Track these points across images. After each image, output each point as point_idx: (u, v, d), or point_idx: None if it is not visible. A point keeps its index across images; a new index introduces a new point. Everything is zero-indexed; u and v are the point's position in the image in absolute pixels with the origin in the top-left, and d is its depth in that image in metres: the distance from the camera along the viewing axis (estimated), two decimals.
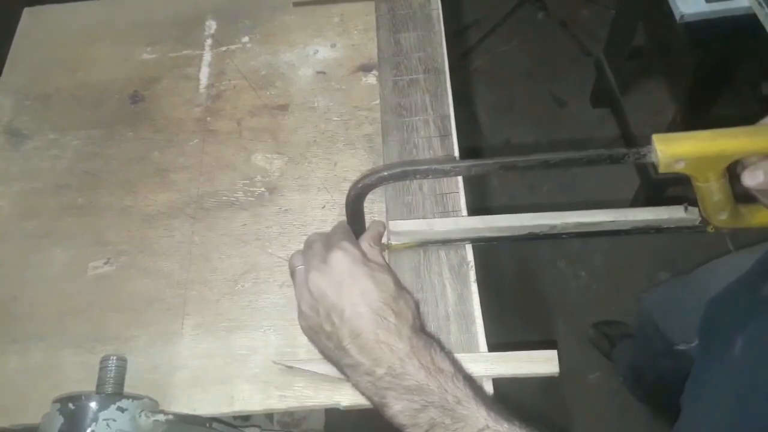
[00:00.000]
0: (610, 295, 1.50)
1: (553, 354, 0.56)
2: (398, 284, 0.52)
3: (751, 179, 0.48)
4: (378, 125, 0.73)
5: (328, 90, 0.78)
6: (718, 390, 0.60)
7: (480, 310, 0.60)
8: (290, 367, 0.59)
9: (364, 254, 0.53)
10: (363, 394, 0.49)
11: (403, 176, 0.52)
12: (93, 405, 0.51)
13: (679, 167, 0.48)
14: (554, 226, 0.61)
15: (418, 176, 0.52)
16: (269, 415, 0.76)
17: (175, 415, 0.55)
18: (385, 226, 0.61)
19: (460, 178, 0.67)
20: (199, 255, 0.67)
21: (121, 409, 0.52)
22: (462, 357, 0.57)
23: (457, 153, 0.69)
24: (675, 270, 1.49)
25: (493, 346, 0.58)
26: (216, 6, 0.87)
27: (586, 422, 1.37)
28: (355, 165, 0.71)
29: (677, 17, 1.09)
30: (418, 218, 0.65)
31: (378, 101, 0.75)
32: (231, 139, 0.75)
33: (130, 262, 0.68)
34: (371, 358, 0.48)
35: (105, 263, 0.68)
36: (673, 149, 0.47)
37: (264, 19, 0.85)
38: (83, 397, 0.52)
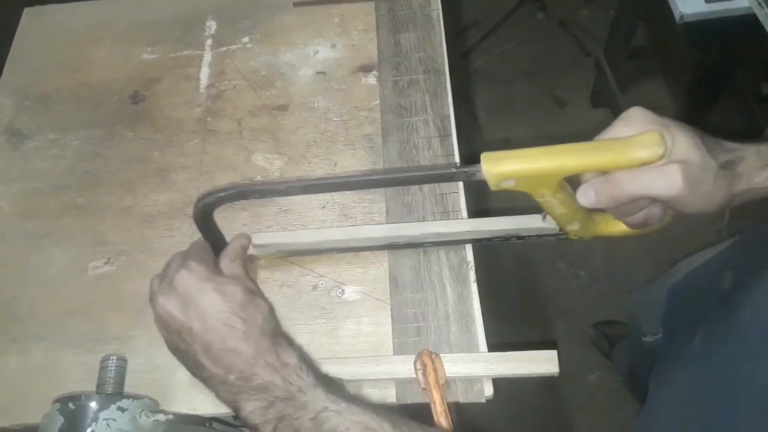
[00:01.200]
0: (610, 295, 1.50)
1: (553, 354, 0.56)
2: (248, 292, 0.53)
3: (583, 198, 0.47)
4: (378, 125, 0.73)
5: (328, 90, 0.78)
6: (677, 381, 0.60)
7: (480, 310, 0.60)
8: None
9: (212, 270, 0.54)
10: (223, 403, 0.50)
11: (240, 196, 0.53)
12: (93, 405, 0.51)
13: (509, 185, 0.47)
14: (414, 237, 0.62)
15: (256, 195, 0.53)
16: None
17: (176, 414, 0.55)
18: (249, 239, 0.61)
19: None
20: None
21: (122, 409, 0.52)
22: (462, 357, 0.57)
23: (457, 153, 0.69)
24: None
25: (493, 346, 0.58)
26: (216, 6, 0.87)
27: (586, 422, 1.37)
28: (355, 165, 0.71)
29: (677, 17, 1.10)
30: (418, 218, 0.65)
31: (378, 101, 0.75)
32: (231, 139, 0.75)
33: (130, 262, 0.68)
34: (224, 366, 0.49)
35: (105, 263, 0.68)
36: (498, 168, 0.45)
37: (264, 19, 0.85)
38: (83, 397, 0.52)
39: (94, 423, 0.51)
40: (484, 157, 0.46)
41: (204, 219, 0.55)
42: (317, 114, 0.76)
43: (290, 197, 0.70)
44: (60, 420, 0.51)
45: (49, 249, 0.70)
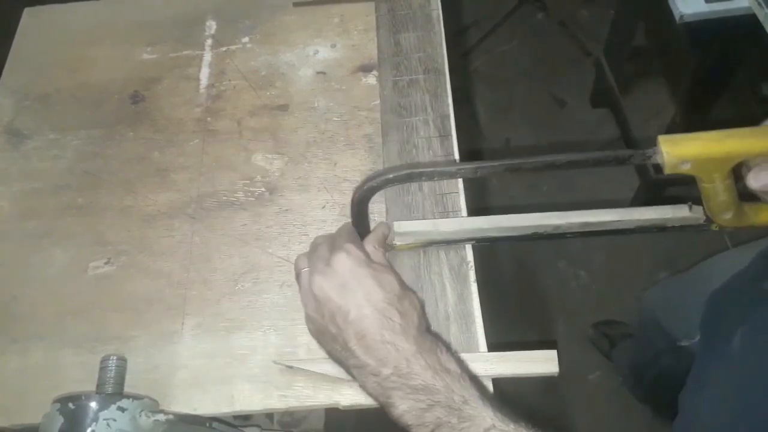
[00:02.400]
0: (610, 295, 1.50)
1: (553, 354, 0.56)
2: (403, 284, 0.52)
3: (756, 181, 0.48)
4: (378, 125, 0.73)
5: (328, 90, 0.78)
6: (718, 384, 0.60)
7: (480, 310, 0.60)
8: (290, 367, 0.59)
9: (367, 256, 0.53)
10: (370, 394, 0.49)
11: (408, 178, 0.52)
12: (93, 405, 0.51)
13: (685, 168, 0.47)
14: (559, 226, 0.60)
15: (423, 178, 0.52)
16: (269, 415, 0.76)
17: (176, 414, 0.55)
18: (389, 228, 0.61)
19: (459, 178, 0.67)
20: (199, 255, 0.67)
21: (122, 409, 0.52)
22: (462, 357, 0.57)
23: (456, 153, 0.69)
24: (675, 270, 1.49)
25: (493, 346, 0.58)
26: (216, 6, 0.87)
27: (586, 422, 1.37)
28: (355, 165, 0.71)
29: (677, 17, 1.10)
30: (418, 218, 0.65)
31: (378, 101, 0.75)
32: (231, 139, 0.75)
33: (130, 262, 0.68)
34: (377, 358, 0.48)
35: (105, 263, 0.68)
36: (679, 151, 0.46)
37: (264, 19, 0.85)
38: (83, 397, 0.52)
39: (94, 423, 0.51)
40: (663, 139, 0.46)
41: (362, 203, 0.55)
42: (317, 114, 0.76)
43: (290, 197, 0.70)
44: (60, 420, 0.51)
45: (49, 249, 0.70)
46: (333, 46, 0.81)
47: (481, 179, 1.67)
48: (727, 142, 0.46)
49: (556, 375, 0.55)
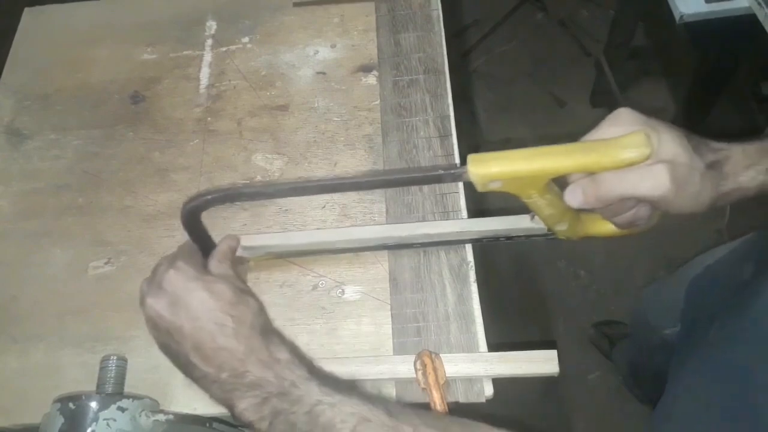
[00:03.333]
0: (610, 295, 1.50)
1: (553, 354, 0.56)
2: (237, 290, 0.53)
3: (571, 198, 0.47)
4: (378, 125, 0.73)
5: (328, 90, 0.78)
6: (694, 372, 0.60)
7: (480, 310, 0.60)
8: None
9: (199, 270, 0.54)
10: (216, 402, 0.50)
11: (226, 199, 0.53)
12: (93, 405, 0.51)
13: (496, 187, 0.47)
14: (403, 238, 0.62)
15: (243, 198, 0.53)
16: None
17: (176, 414, 0.55)
18: (237, 241, 0.61)
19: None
20: None
21: (122, 409, 0.52)
22: (462, 357, 0.57)
23: (456, 153, 0.69)
24: (674, 270, 1.49)
25: (493, 346, 0.58)
26: (216, 6, 0.87)
27: (586, 422, 1.38)
28: (355, 165, 0.71)
29: (677, 17, 1.09)
30: (418, 218, 0.65)
31: (378, 101, 0.75)
32: (231, 139, 0.75)
33: (130, 262, 0.68)
34: (214, 365, 0.49)
35: (105, 263, 0.68)
36: (485, 170, 0.45)
37: (264, 19, 0.85)
38: (83, 397, 0.52)
39: (95, 423, 0.51)
40: (471, 158, 0.46)
41: (192, 222, 0.55)
42: (317, 114, 0.76)
43: (290, 198, 0.70)
44: (60, 420, 0.51)
45: (49, 249, 0.70)
46: (333, 46, 0.81)
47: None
48: (534, 160, 0.45)
49: (556, 375, 0.55)
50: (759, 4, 1.00)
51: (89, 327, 0.64)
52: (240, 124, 0.76)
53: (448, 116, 0.72)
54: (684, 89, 1.31)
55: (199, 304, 0.50)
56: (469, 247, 0.64)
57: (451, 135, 0.71)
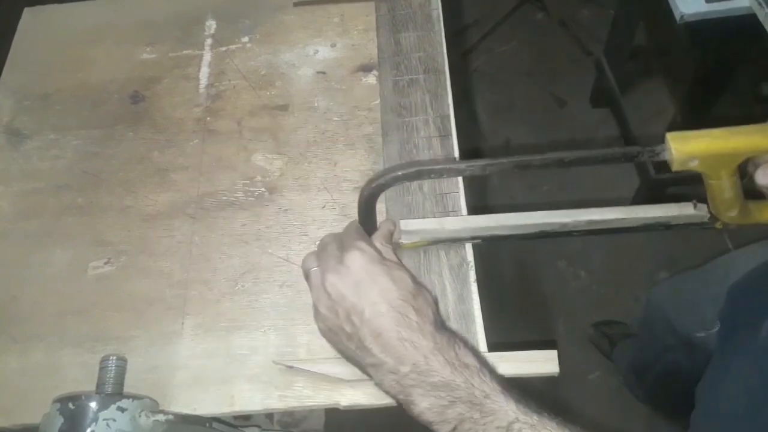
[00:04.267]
0: (610, 295, 1.50)
1: (553, 354, 0.56)
2: (416, 281, 0.52)
3: (764, 177, 0.48)
4: (378, 125, 0.73)
5: (328, 90, 0.78)
6: (742, 373, 0.60)
7: (480, 310, 0.60)
8: (290, 367, 0.59)
9: (379, 253, 0.53)
10: (387, 392, 0.49)
11: (418, 176, 0.52)
12: (93, 405, 0.51)
13: (693, 165, 0.47)
14: (565, 224, 0.60)
15: (432, 176, 0.51)
16: (269, 415, 0.75)
17: (175, 415, 0.55)
18: (395, 224, 0.60)
19: (459, 178, 0.67)
20: (199, 255, 0.67)
21: (121, 409, 0.52)
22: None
23: (456, 153, 0.69)
24: (675, 270, 1.49)
25: (493, 346, 0.58)
26: (216, 6, 0.87)
27: (586, 422, 1.37)
28: (355, 165, 0.71)
29: (677, 17, 1.09)
30: (418, 218, 0.65)
31: (378, 101, 0.75)
32: (231, 139, 0.75)
33: (130, 262, 0.68)
34: (394, 356, 0.47)
35: (105, 263, 0.68)
36: (687, 147, 0.46)
37: (264, 19, 0.85)
38: (83, 397, 0.52)
39: (94, 423, 0.51)
40: (671, 136, 0.46)
41: (370, 200, 0.54)
42: (317, 114, 0.76)
43: (290, 197, 0.70)
44: (60, 420, 0.51)
45: (49, 249, 0.70)
46: (333, 45, 0.81)
47: (482, 177, 1.67)
48: (735, 138, 0.46)
49: (556, 375, 0.55)
50: (759, 4, 1.00)
51: (89, 327, 0.64)
52: (240, 123, 0.76)
53: (448, 116, 0.72)
54: (684, 89, 1.31)
55: (382, 289, 0.49)
56: (469, 247, 0.63)
57: (451, 135, 0.71)
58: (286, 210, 0.69)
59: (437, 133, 0.71)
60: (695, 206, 0.59)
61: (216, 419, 0.58)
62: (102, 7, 0.90)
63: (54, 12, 0.90)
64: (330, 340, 0.53)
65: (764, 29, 0.99)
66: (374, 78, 0.77)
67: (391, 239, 0.58)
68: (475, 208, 0.66)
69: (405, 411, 0.48)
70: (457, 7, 1.99)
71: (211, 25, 0.85)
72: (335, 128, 0.74)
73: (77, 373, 0.62)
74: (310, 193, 0.70)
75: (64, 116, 0.80)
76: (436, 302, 0.53)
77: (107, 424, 0.51)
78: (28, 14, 0.90)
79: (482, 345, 0.59)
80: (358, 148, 0.72)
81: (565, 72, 1.84)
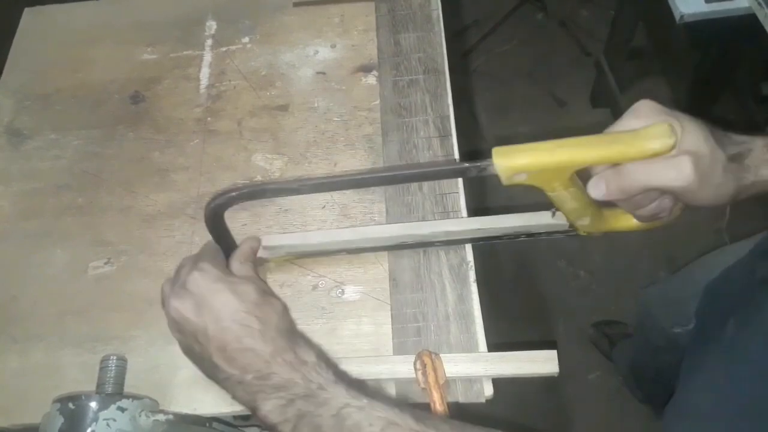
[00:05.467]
0: (610, 295, 1.50)
1: (553, 354, 0.56)
2: (262, 292, 0.53)
3: (595, 190, 0.47)
4: (378, 125, 0.73)
5: (328, 90, 0.78)
6: (709, 369, 0.60)
7: (480, 310, 0.60)
8: None
9: (224, 271, 0.53)
10: (240, 403, 0.50)
11: (251, 196, 0.52)
12: (93, 405, 0.51)
13: (521, 179, 0.47)
14: (425, 236, 0.62)
15: (267, 195, 0.52)
16: None
17: (175, 414, 0.55)
18: (259, 241, 0.61)
19: (459, 178, 0.67)
20: None
21: (122, 409, 0.52)
22: (462, 357, 0.57)
23: (456, 153, 0.69)
24: (674, 270, 1.49)
25: (493, 346, 0.58)
26: (216, 6, 0.87)
27: (586, 422, 1.37)
28: (355, 165, 0.71)
29: (677, 17, 1.10)
30: (418, 218, 0.65)
31: (378, 101, 0.75)
32: (231, 139, 0.75)
33: (130, 262, 0.68)
34: (240, 366, 0.48)
35: (105, 263, 0.68)
36: (511, 162, 0.45)
37: (264, 19, 0.85)
38: (83, 397, 0.52)
39: (94, 423, 0.51)
40: (496, 151, 0.46)
41: (215, 220, 0.55)
42: (317, 114, 0.76)
43: (291, 197, 0.70)
44: (60, 420, 0.51)
45: (49, 249, 0.70)
46: (333, 46, 0.81)
47: (482, 177, 1.67)
48: (560, 152, 0.45)
49: (556, 375, 0.55)
50: (759, 4, 1.00)
51: (89, 327, 0.64)
52: (240, 124, 0.76)
53: (448, 116, 0.72)
54: (684, 89, 1.31)
55: (223, 305, 0.50)
56: (469, 247, 0.64)
57: (451, 135, 0.71)
58: (286, 210, 0.69)
59: (437, 133, 0.71)
60: (553, 215, 0.58)
61: (216, 419, 0.58)
62: (102, 7, 0.90)
63: (54, 12, 0.90)
64: (193, 362, 0.53)
65: (764, 29, 1.00)
66: (374, 78, 0.77)
67: (251, 256, 0.59)
68: (475, 209, 0.66)
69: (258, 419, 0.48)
70: (457, 7, 1.99)
71: (212, 25, 0.85)
72: (335, 128, 0.74)
73: (77, 373, 0.62)
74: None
75: (65, 116, 0.80)
76: (284, 309, 0.53)
77: (107, 424, 0.51)
78: (28, 14, 0.90)
79: (482, 345, 0.59)
80: (358, 149, 0.72)
81: (565, 72, 1.84)
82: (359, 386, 0.48)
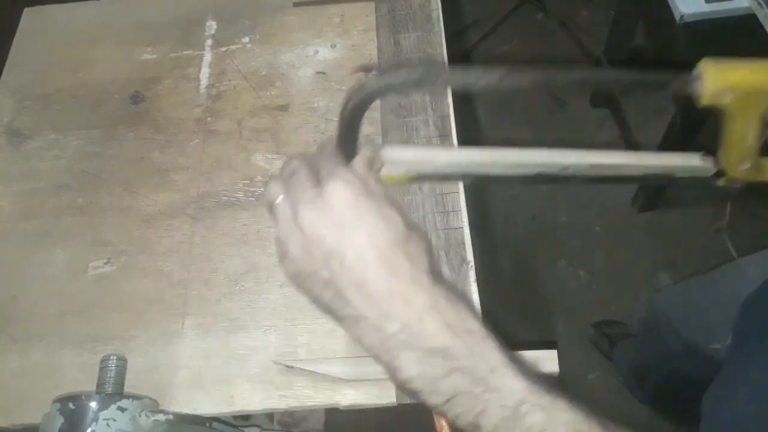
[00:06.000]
0: (610, 295, 1.50)
1: (553, 354, 0.56)
2: (408, 221, 0.42)
3: None
4: (378, 125, 0.73)
5: (328, 90, 0.78)
6: (755, 381, 0.60)
7: (480, 310, 0.60)
8: (290, 367, 0.59)
9: (366, 185, 0.43)
10: (367, 349, 0.41)
11: (419, 84, 0.41)
12: (93, 405, 0.51)
13: (726, 100, 0.41)
14: (566, 167, 0.53)
15: (438, 82, 0.41)
16: (269, 415, 0.76)
17: (176, 414, 0.55)
18: (376, 151, 0.49)
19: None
20: (199, 255, 0.67)
21: (122, 409, 0.52)
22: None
23: None
24: (674, 270, 1.49)
25: None
26: (216, 6, 0.87)
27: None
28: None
29: (677, 17, 1.09)
30: (419, 217, 0.65)
31: (378, 101, 0.75)
32: (231, 139, 0.75)
33: (130, 262, 0.68)
34: (380, 311, 0.39)
35: (105, 263, 0.68)
36: (725, 77, 0.41)
37: (264, 19, 0.85)
38: (83, 397, 0.52)
39: (94, 423, 0.51)
40: (707, 64, 0.40)
41: (357, 113, 0.45)
42: (317, 114, 0.76)
43: None
44: (60, 420, 0.51)
45: (49, 249, 0.70)
46: (333, 46, 0.81)
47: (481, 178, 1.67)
48: None
49: (556, 375, 0.55)
50: (759, 4, 1.00)
51: (89, 327, 0.64)
52: (240, 124, 0.76)
53: (448, 116, 0.72)
54: None
55: (370, 231, 0.40)
56: (468, 247, 0.64)
57: (451, 135, 0.71)
58: None
59: (437, 133, 0.71)
60: (702, 157, 0.53)
61: (216, 419, 0.58)
62: (102, 7, 0.90)
63: (54, 12, 0.90)
64: (299, 285, 0.44)
65: (764, 29, 0.99)
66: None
67: (372, 168, 0.47)
68: (475, 209, 0.66)
69: (393, 380, 0.41)
70: (457, 7, 1.99)
71: (212, 25, 0.85)
72: (335, 128, 0.74)
73: (77, 373, 0.62)
74: None
75: (65, 116, 0.80)
76: (430, 245, 0.43)
77: (107, 424, 0.51)
78: (28, 14, 0.90)
79: None
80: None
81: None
82: (531, 372, 0.39)
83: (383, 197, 0.43)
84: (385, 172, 0.50)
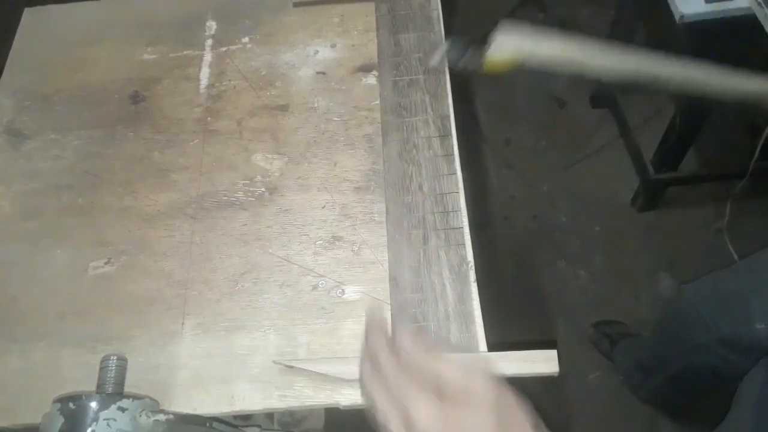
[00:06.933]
0: (610, 295, 1.51)
1: (553, 354, 0.56)
2: (499, 414, 0.39)
3: None
4: (378, 125, 0.73)
5: (328, 90, 0.78)
6: None
7: (480, 310, 0.60)
8: (290, 367, 0.59)
9: (443, 395, 0.39)
10: None
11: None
12: (93, 405, 0.51)
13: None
14: (660, 78, 0.54)
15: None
16: (269, 415, 0.76)
17: (176, 414, 0.55)
18: (378, 313, 0.47)
19: (459, 178, 0.67)
20: (199, 255, 0.67)
21: (122, 409, 0.52)
22: (462, 357, 0.57)
23: (456, 153, 0.69)
24: (674, 270, 1.49)
25: (493, 345, 0.58)
26: (216, 6, 0.87)
27: (586, 422, 1.37)
28: (355, 165, 0.71)
29: (677, 17, 1.10)
30: (418, 217, 0.65)
31: (378, 101, 0.75)
32: (231, 139, 0.75)
33: (130, 262, 0.68)
34: None
35: (105, 263, 0.68)
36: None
37: (264, 19, 0.85)
38: (84, 397, 0.52)
39: (95, 423, 0.51)
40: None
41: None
42: (317, 114, 0.76)
43: (290, 197, 0.70)
44: (60, 420, 0.51)
45: (50, 249, 0.70)
46: (333, 46, 0.81)
47: (481, 176, 1.67)
48: None
49: (556, 375, 0.55)
50: (759, 4, 1.00)
51: (89, 327, 0.64)
52: (240, 124, 0.76)
53: (448, 116, 0.72)
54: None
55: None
56: (469, 247, 0.64)
57: (451, 135, 0.71)
58: (286, 210, 0.69)
59: (437, 133, 0.71)
60: None
61: (216, 419, 0.58)
62: (102, 7, 0.90)
63: (54, 12, 0.90)
64: None
65: (764, 29, 1.00)
66: (374, 78, 0.77)
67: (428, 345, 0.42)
68: (474, 209, 0.66)
69: None
70: (457, 7, 1.99)
71: (212, 25, 0.85)
72: (335, 128, 0.74)
73: (77, 373, 0.62)
74: (310, 193, 0.70)
75: (65, 116, 0.80)
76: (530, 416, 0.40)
77: (108, 424, 0.51)
78: (28, 14, 0.90)
79: (482, 345, 0.59)
80: (358, 148, 0.72)
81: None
82: None
83: (461, 400, 0.39)
84: (490, 55, 0.51)
